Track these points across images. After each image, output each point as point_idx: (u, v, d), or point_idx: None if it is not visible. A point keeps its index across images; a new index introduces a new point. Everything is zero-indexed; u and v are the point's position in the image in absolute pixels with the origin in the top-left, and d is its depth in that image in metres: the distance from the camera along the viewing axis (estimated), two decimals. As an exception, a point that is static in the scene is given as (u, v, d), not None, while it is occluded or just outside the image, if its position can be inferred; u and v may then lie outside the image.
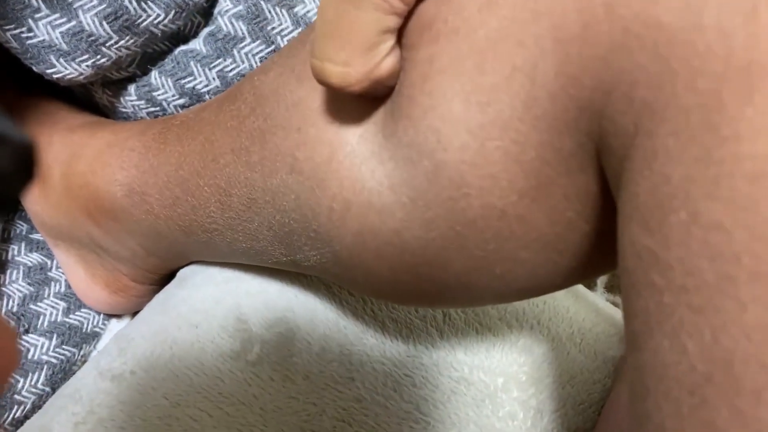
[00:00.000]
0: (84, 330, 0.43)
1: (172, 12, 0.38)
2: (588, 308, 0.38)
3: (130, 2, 0.37)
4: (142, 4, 0.37)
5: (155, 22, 0.38)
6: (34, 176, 0.13)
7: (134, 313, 0.45)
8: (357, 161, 0.24)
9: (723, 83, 0.16)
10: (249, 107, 0.29)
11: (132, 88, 0.42)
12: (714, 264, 0.16)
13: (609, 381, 0.36)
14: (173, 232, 0.36)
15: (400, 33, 0.23)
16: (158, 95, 0.41)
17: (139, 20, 0.37)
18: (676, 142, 0.17)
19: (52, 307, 0.42)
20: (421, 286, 0.25)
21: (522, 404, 0.34)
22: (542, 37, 0.19)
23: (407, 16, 0.23)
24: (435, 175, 0.22)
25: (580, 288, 0.40)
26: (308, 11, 0.42)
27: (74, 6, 0.36)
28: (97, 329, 0.44)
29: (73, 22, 0.36)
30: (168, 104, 0.42)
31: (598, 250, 0.23)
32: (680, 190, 0.17)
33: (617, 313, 0.39)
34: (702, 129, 0.16)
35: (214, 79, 0.41)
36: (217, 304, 0.37)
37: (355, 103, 0.24)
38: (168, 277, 0.42)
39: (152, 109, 0.42)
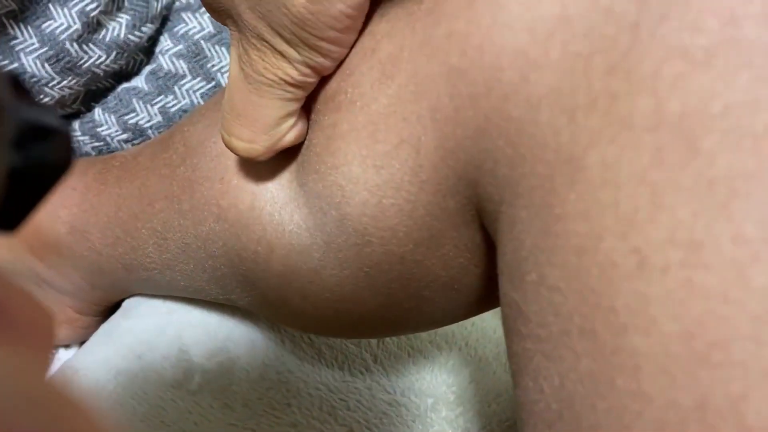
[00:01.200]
0: (31, 360, 0.44)
1: (114, 53, 0.40)
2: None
3: (72, 45, 0.38)
4: (84, 46, 0.39)
5: (97, 63, 0.39)
6: (70, 166, 0.13)
7: (82, 343, 0.46)
8: (277, 206, 0.27)
9: (554, 170, 0.19)
10: (180, 157, 0.31)
11: (76, 124, 0.43)
12: (557, 319, 0.18)
13: (532, 398, 0.38)
14: (115, 269, 0.37)
15: (309, 99, 0.25)
16: (102, 131, 0.43)
17: (81, 62, 0.39)
18: (527, 215, 0.19)
19: None
20: (342, 320, 0.27)
21: (450, 423, 0.36)
22: (422, 116, 0.22)
23: (316, 88, 0.25)
24: (341, 224, 0.24)
25: (507, 310, 0.43)
26: (248, 48, 0.44)
27: (16, 49, 0.38)
28: (44, 359, 0.45)
29: (15, 64, 0.38)
30: (112, 139, 0.43)
31: (493, 288, 0.25)
32: (531, 255, 0.19)
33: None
34: (543, 206, 0.19)
35: (156, 114, 0.43)
36: (161, 335, 0.39)
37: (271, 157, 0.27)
38: (112, 309, 0.43)
39: (96, 144, 0.43)
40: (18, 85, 0.12)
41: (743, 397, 0.15)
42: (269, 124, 0.24)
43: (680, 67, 0.17)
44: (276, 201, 0.26)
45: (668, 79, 0.17)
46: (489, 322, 0.40)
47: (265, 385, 0.36)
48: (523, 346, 0.20)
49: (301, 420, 0.35)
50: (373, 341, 0.38)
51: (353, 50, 0.24)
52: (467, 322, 0.40)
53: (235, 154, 0.25)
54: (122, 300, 0.43)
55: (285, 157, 0.26)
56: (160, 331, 0.39)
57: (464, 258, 0.24)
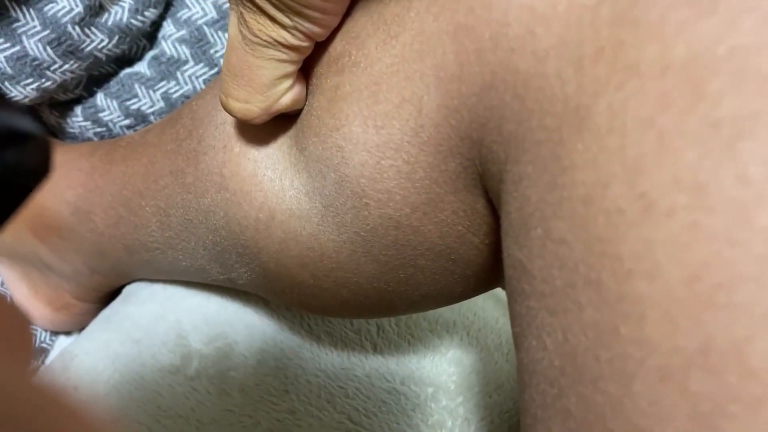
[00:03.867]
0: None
1: (116, 37, 0.40)
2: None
3: (74, 28, 0.38)
4: (86, 29, 0.38)
5: (99, 47, 0.39)
6: (49, 172, 0.13)
7: (82, 330, 0.46)
8: (278, 172, 0.27)
9: (562, 121, 0.19)
10: (186, 130, 0.31)
11: (78, 109, 0.43)
12: (561, 272, 0.18)
13: (534, 389, 0.38)
14: (117, 250, 0.37)
15: (311, 64, 0.25)
16: (104, 116, 0.43)
17: (83, 45, 0.39)
18: (534, 169, 0.19)
19: None
20: (341, 293, 0.27)
21: (450, 413, 0.36)
22: (426, 75, 0.22)
23: (318, 51, 0.25)
24: (340, 186, 0.24)
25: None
26: (251, 35, 0.44)
27: (18, 32, 0.37)
28: (44, 345, 0.44)
29: (17, 47, 0.37)
30: (114, 125, 0.43)
31: (491, 262, 0.25)
32: (537, 210, 0.19)
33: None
34: (550, 159, 0.19)
35: (158, 100, 0.42)
36: (159, 321, 0.38)
37: (271, 122, 0.26)
38: (110, 297, 0.43)
39: (99, 129, 0.43)
40: None
41: (747, 340, 0.15)
42: (265, 84, 0.24)
43: (686, 12, 0.17)
44: (277, 167, 0.27)
45: (674, 24, 0.17)
46: (491, 312, 0.40)
47: (262, 371, 0.36)
48: (527, 305, 0.19)
49: (299, 407, 0.35)
50: (373, 329, 0.37)
51: (359, 12, 0.24)
52: (469, 312, 0.39)
53: (231, 115, 0.25)
54: (121, 288, 0.43)
55: (286, 123, 0.26)
56: (159, 317, 0.39)
57: (462, 225, 0.24)
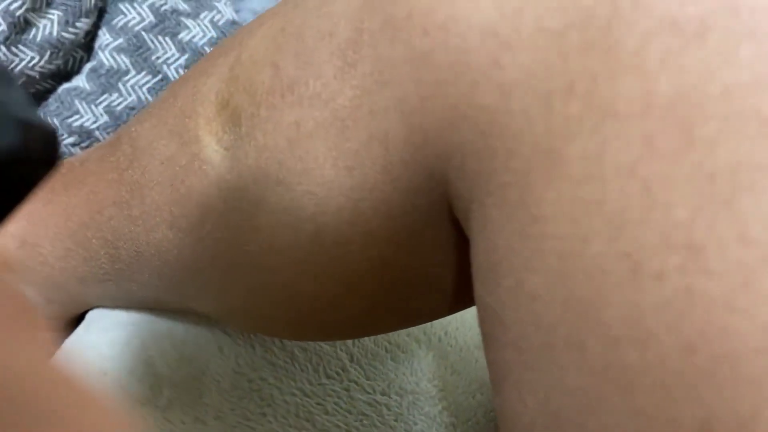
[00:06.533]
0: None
1: (47, 53, 0.37)
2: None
3: (-1, 48, 0.35)
4: (13, 48, 0.36)
5: (30, 65, 0.37)
6: (56, 164, 0.13)
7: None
8: (233, 224, 0.24)
9: (530, 165, 0.17)
10: (127, 159, 0.29)
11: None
12: (538, 331, 0.17)
13: (518, 384, 0.37)
14: (69, 282, 0.35)
15: (251, 96, 0.23)
16: (45, 136, 0.40)
17: (12, 65, 0.36)
18: (499, 215, 0.17)
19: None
20: (322, 329, 0.25)
21: (434, 419, 0.35)
22: (389, 109, 0.20)
23: (255, 70, 0.23)
24: (318, 236, 0.22)
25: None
26: (193, 36, 0.41)
27: (-61, 57, 0.35)
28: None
29: (-59, 73, 0.35)
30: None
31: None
32: (505, 259, 0.17)
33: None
34: (517, 205, 0.17)
35: (101, 115, 0.40)
36: (125, 349, 0.37)
37: (220, 160, 0.24)
38: (73, 323, 0.41)
39: (42, 150, 0.41)
40: (9, 82, 0.12)
41: (754, 417, 0.14)
42: None
43: (670, 40, 0.15)
44: (227, 217, 0.24)
45: (656, 56, 0.15)
46: (469, 309, 0.39)
47: (237, 394, 0.34)
48: (503, 355, 0.18)
49: (277, 429, 0.34)
50: (348, 340, 0.36)
51: (308, 33, 0.21)
52: (446, 310, 0.38)
53: None
54: (82, 315, 0.41)
55: (231, 167, 0.24)
56: (124, 345, 0.37)
57: (444, 256, 0.22)
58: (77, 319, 0.42)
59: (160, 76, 0.40)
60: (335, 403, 0.34)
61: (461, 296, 0.24)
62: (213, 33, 0.42)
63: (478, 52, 0.18)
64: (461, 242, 0.22)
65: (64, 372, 0.11)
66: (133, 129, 0.30)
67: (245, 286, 0.25)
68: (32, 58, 0.37)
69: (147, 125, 0.28)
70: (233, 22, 0.43)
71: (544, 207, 0.16)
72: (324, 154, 0.21)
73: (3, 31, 0.35)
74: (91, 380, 0.12)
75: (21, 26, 0.36)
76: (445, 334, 0.37)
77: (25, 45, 0.36)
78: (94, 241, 0.32)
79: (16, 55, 0.36)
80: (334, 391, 0.35)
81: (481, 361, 0.37)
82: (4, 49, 0.35)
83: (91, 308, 0.40)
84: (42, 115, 0.40)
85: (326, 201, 0.21)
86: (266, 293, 0.25)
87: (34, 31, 0.36)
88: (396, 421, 0.34)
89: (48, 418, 0.10)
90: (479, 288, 0.19)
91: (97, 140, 0.41)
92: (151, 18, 0.40)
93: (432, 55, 0.18)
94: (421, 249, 0.22)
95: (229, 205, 0.24)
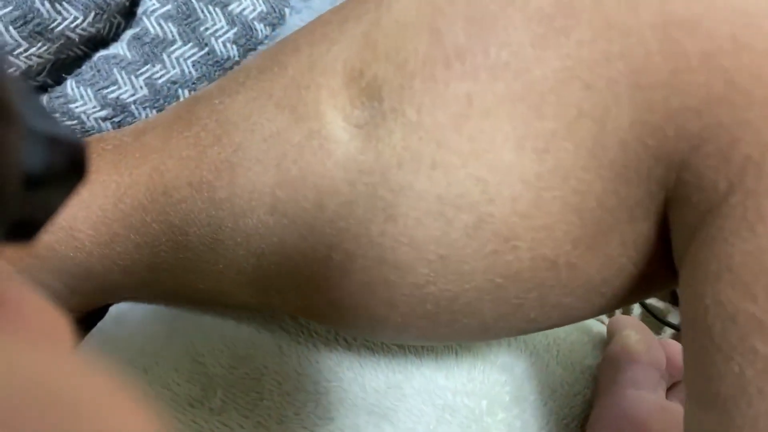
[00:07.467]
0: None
1: (92, 14, 0.33)
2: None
3: (42, 4, 0.31)
4: (57, 5, 0.32)
5: (72, 26, 0.33)
6: (86, 176, 0.13)
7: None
8: (358, 212, 0.21)
9: None
10: (212, 135, 0.25)
11: (44, 99, 0.36)
12: None
13: (588, 392, 0.35)
14: (109, 271, 0.32)
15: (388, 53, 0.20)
16: (76, 107, 0.36)
17: (53, 24, 0.32)
18: None
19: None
20: (438, 331, 0.22)
21: (508, 426, 0.33)
22: (616, 82, 0.17)
23: (403, 35, 0.20)
24: (477, 229, 0.19)
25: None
26: (244, 9, 0.38)
27: (-28, 8, 0.31)
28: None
29: (-28, 28, 0.31)
30: (87, 117, 0.37)
31: (634, 290, 0.21)
32: None
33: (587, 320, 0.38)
34: None
35: (141, 87, 0.36)
36: (168, 344, 0.33)
37: (349, 139, 0.21)
38: (90, 315, 0.37)
39: (68, 122, 0.37)
40: (30, 95, 0.12)
41: None
42: None
43: None
44: (354, 204, 0.21)
45: None
46: (534, 310, 0.37)
47: (300, 397, 0.31)
48: (761, 368, 0.16)
49: (347, 435, 0.31)
50: (417, 340, 0.34)
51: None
52: (512, 312, 0.36)
53: None
54: (102, 307, 0.37)
55: (364, 148, 0.21)
56: (166, 341, 0.33)
57: (627, 257, 0.20)
58: (91, 313, 0.38)
59: (206, 50, 0.37)
60: (407, 409, 0.32)
61: (610, 304, 0.22)
62: (263, 7, 0.39)
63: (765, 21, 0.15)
64: (651, 241, 0.19)
65: (89, 371, 0.11)
66: (217, 102, 0.26)
67: (362, 281, 0.22)
68: (75, 18, 0.33)
69: (240, 98, 0.25)
70: (282, -2, 0.40)
71: None
72: (505, 133, 0.18)
73: (50, -16, 0.31)
74: (127, 378, 0.11)
75: (68, -19, 0.32)
76: (515, 338, 0.35)
77: (69, 2, 0.32)
78: (154, 225, 0.28)
79: (59, 13, 0.32)
80: (404, 395, 0.32)
81: (551, 367, 0.35)
82: (48, 5, 0.32)
83: (118, 301, 0.37)
84: (73, 84, 0.36)
85: (497, 189, 0.19)
86: (388, 292, 0.22)
87: (80, -12, 0.33)
88: (470, 427, 0.32)
89: (71, 421, 0.09)
90: (728, 293, 0.16)
91: (132, 115, 0.37)
92: (203, -15, 0.36)
93: (700, 23, 0.16)
94: (603, 248, 0.20)
95: (359, 190, 0.21)
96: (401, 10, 0.21)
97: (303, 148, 0.22)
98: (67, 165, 0.12)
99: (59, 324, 0.12)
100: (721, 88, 0.16)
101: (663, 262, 0.20)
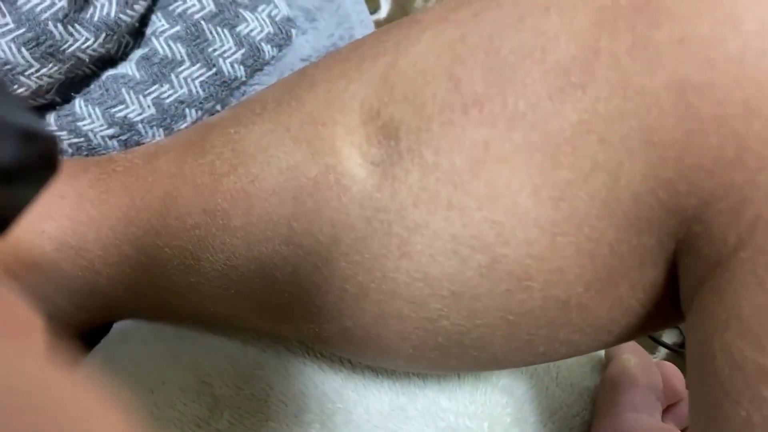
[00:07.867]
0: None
1: (103, 35, 0.34)
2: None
3: (56, 26, 0.32)
4: (69, 27, 0.32)
5: (83, 47, 0.33)
6: (58, 171, 0.13)
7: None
8: (373, 246, 0.22)
9: None
10: (227, 164, 0.26)
11: (51, 117, 0.36)
12: None
13: (587, 414, 0.36)
14: (116, 291, 0.32)
15: (408, 106, 0.20)
16: (84, 125, 0.37)
17: (65, 46, 0.33)
18: None
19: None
20: (449, 363, 0.23)
21: (509, 448, 0.33)
22: (629, 138, 0.18)
23: (420, 78, 0.21)
24: (491, 269, 0.20)
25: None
26: (251, 30, 0.39)
27: (-16, 30, 0.31)
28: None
29: (-16, 49, 0.31)
30: (95, 135, 0.37)
31: (641, 328, 0.22)
32: None
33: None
34: None
35: (149, 107, 0.37)
36: (173, 364, 0.34)
37: (365, 176, 0.22)
38: (92, 331, 0.37)
39: (75, 140, 0.37)
40: (2, 89, 0.12)
41: None
42: None
43: None
44: (369, 239, 0.22)
45: None
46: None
47: (306, 419, 0.32)
48: (764, 414, 0.16)
49: (352, 457, 0.31)
50: (420, 362, 0.34)
51: (505, 47, 0.19)
52: (512, 334, 0.37)
53: None
54: (105, 324, 0.37)
55: (381, 185, 0.21)
56: (172, 360, 0.34)
57: (636, 299, 0.20)
58: (93, 330, 0.38)
59: (214, 70, 0.38)
60: (411, 429, 0.32)
61: (627, 337, 0.22)
62: (270, 28, 0.39)
63: None
64: (660, 284, 0.20)
65: (72, 384, 0.11)
66: (232, 131, 0.27)
67: (375, 313, 0.23)
68: (86, 39, 0.33)
69: (256, 128, 0.26)
70: (288, 19, 0.40)
71: None
72: (522, 180, 0.19)
73: (62, 7, 0.31)
74: (127, 395, 0.11)
75: (80, 4, 0.32)
76: (515, 359, 0.36)
77: (81, 24, 0.33)
78: (166, 249, 0.29)
79: (71, 34, 0.33)
80: (407, 417, 0.33)
81: (551, 389, 0.36)
82: (60, 27, 0.32)
83: (123, 318, 0.37)
84: (82, 102, 0.36)
85: (513, 232, 0.19)
86: (400, 324, 0.22)
87: (91, 10, 0.33)
88: (473, 450, 0.33)
89: (35, 420, 0.09)
90: (736, 343, 0.17)
91: (138, 133, 0.37)
92: (212, 6, 0.37)
93: (713, 87, 0.17)
94: (615, 292, 0.20)
95: (375, 226, 0.22)
96: (420, 55, 0.21)
97: (319, 182, 0.23)
98: (39, 159, 0.12)
99: (31, 323, 0.12)
100: (733, 151, 0.17)
101: (670, 304, 0.21)
